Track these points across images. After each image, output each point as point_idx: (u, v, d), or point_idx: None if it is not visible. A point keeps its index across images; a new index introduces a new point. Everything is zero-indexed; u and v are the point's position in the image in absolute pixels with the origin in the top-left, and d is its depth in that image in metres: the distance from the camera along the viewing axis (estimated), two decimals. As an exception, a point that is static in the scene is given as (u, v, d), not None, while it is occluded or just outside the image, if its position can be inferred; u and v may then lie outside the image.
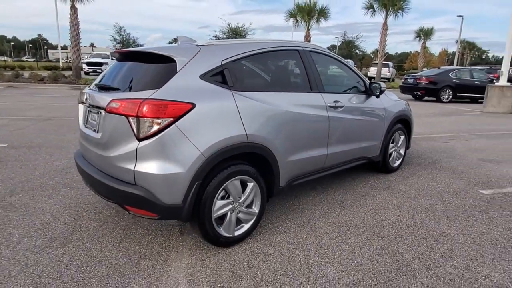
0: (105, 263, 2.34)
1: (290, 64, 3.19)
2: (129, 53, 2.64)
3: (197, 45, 2.55)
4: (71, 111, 8.96)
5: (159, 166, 2.16)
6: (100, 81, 2.68)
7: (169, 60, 2.36)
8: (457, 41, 47.52)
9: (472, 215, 3.21)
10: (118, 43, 35.78)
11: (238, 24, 41.14)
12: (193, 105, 2.23)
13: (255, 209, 2.68)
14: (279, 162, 2.76)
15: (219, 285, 2.14)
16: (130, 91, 2.31)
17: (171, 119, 2.15)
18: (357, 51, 41.93)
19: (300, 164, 3.03)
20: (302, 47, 3.23)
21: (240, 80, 2.61)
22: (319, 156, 3.21)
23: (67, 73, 19.30)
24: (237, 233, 2.60)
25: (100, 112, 2.46)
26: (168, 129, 2.15)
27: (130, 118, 2.17)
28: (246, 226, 2.66)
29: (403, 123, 4.41)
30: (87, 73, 22.59)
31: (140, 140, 2.16)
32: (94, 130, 2.53)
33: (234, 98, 2.48)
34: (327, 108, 3.20)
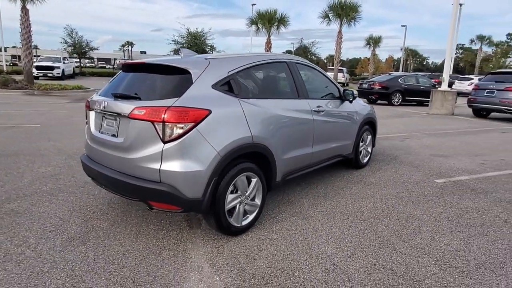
0: (129, 256, 2.58)
1: (281, 74, 3.62)
2: (143, 65, 2.90)
3: (206, 58, 2.89)
4: (34, 118, 8.64)
5: (183, 165, 2.46)
6: (114, 90, 2.89)
7: (185, 72, 2.67)
8: (401, 49, 51.67)
9: (431, 199, 3.87)
10: (70, 45, 34.03)
11: (197, 28, 41.09)
12: (210, 111, 2.57)
13: (258, 201, 3.06)
14: (276, 159, 3.17)
15: (237, 266, 2.49)
16: (152, 99, 2.58)
17: (192, 123, 2.47)
18: (313, 56, 43.81)
19: (292, 161, 3.47)
20: (289, 59, 3.69)
21: (243, 89, 2.99)
22: (306, 154, 3.68)
23: (18, 78, 18.10)
24: (244, 223, 2.96)
25: (119, 118, 2.70)
26: (190, 132, 2.46)
27: (156, 124, 2.45)
28: (250, 217, 3.02)
29: (370, 124, 5.06)
30: (36, 77, 21.17)
31: (165, 142, 2.45)
32: (113, 135, 2.76)
33: (241, 105, 2.86)
34: (312, 112, 3.68)
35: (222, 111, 2.68)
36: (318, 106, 3.80)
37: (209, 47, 40.54)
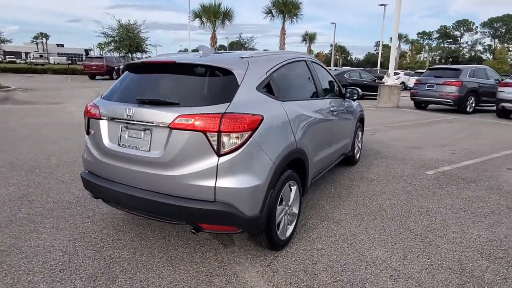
0: (177, 288, 2.21)
1: (304, 74, 3.44)
2: (172, 65, 2.48)
3: (242, 57, 2.58)
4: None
5: (242, 180, 2.16)
6: (138, 95, 2.42)
7: (228, 73, 2.35)
8: (331, 45, 54.99)
9: (435, 191, 4.08)
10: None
11: (129, 20, 38.24)
12: (262, 117, 2.30)
13: (295, 210, 2.87)
14: (309, 164, 3.01)
15: (302, 284, 2.29)
16: (195, 105, 2.21)
17: (250, 132, 2.18)
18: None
19: (319, 164, 3.34)
20: (307, 57, 3.53)
21: (281, 90, 2.76)
22: (327, 155, 3.58)
23: None
24: (287, 235, 2.75)
25: (152, 129, 2.28)
26: (248, 142, 2.17)
27: (209, 134, 2.11)
28: (291, 228, 2.83)
29: (361, 121, 5.16)
30: None
31: (220, 155, 2.13)
32: (140, 149, 2.32)
33: (284, 108, 2.63)
34: (330, 112, 3.59)
35: (271, 115, 2.43)
36: (332, 105, 3.72)
37: (144, 41, 38.28)
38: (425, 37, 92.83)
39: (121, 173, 2.44)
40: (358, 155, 5.22)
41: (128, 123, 2.39)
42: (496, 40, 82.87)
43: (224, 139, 2.11)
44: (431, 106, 12.97)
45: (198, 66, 2.42)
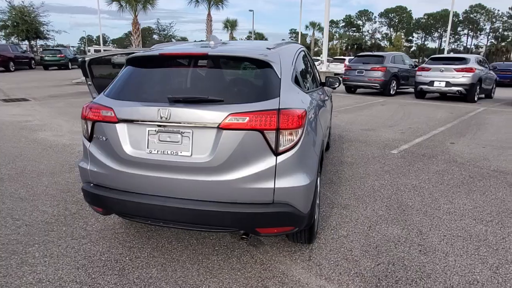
0: (236, 301, 2.05)
1: (308, 63, 3.40)
2: (204, 57, 2.21)
3: (269, 48, 2.43)
4: None
5: (299, 178, 2.08)
6: (170, 93, 2.09)
7: (267, 65, 2.20)
8: (250, 32, 55.74)
9: (409, 168, 4.51)
10: None
11: (23, 2, 32.79)
12: (305, 111, 2.22)
13: (318, 201, 2.89)
14: (324, 154, 3.05)
15: (352, 272, 2.34)
16: (241, 102, 2.02)
17: (302, 127, 2.10)
18: (173, 39, 42.16)
19: (323, 154, 3.40)
20: (302, 46, 3.50)
21: (302, 82, 2.69)
22: (324, 145, 3.67)
23: None
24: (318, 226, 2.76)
25: (192, 130, 2.02)
26: (302, 137, 2.09)
27: (266, 132, 1.96)
28: (316, 219, 2.84)
29: (331, 108, 5.39)
30: None
31: (278, 154, 2.00)
32: (185, 154, 2.04)
33: (311, 99, 2.58)
34: (324, 101, 3.66)
35: (308, 108, 2.36)
36: (323, 94, 3.80)
37: (44, 26, 33.49)
38: (333, 25, 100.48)
39: (152, 183, 2.12)
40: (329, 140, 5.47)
41: (160, 125, 2.07)
42: (391, 29, 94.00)
43: (282, 137, 1.99)
44: (359, 90, 14.20)
45: (235, 59, 2.21)
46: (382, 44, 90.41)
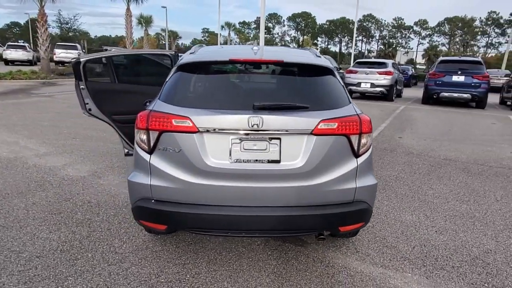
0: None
1: None
2: (277, 64, 2.19)
3: (319, 56, 2.54)
4: None
5: (371, 177, 2.26)
6: (253, 100, 2.02)
7: (330, 73, 2.31)
8: (163, 29, 53.78)
9: (385, 160, 5.10)
10: None
11: None
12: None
13: None
14: None
15: (399, 256, 2.62)
16: (325, 108, 2.12)
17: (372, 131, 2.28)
18: (77, 33, 37.85)
19: None
20: None
21: None
22: None
23: None
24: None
25: (281, 138, 2.02)
26: (371, 139, 2.27)
27: (351, 137, 2.09)
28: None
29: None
30: None
31: (358, 156, 2.15)
32: (274, 162, 2.02)
33: None
34: None
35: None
36: None
37: None
38: (245, 27, 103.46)
39: (235, 194, 2.04)
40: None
41: (246, 134, 2.00)
42: (299, 32, 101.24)
43: (363, 140, 2.14)
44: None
45: (307, 66, 2.26)
46: (291, 46, 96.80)
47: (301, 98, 2.16)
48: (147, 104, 3.38)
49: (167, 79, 2.30)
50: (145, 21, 40.49)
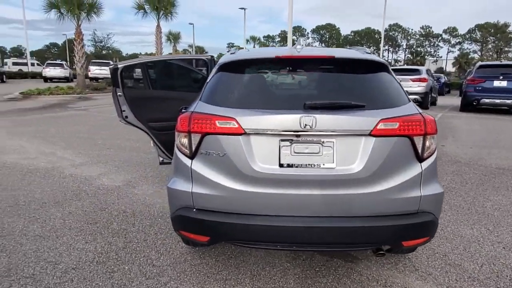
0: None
1: None
2: (329, 61, 2.02)
3: (369, 53, 2.34)
4: None
5: (437, 184, 2.00)
6: (304, 99, 1.85)
7: (385, 69, 2.10)
8: (190, 45, 55.30)
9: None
10: None
11: None
12: None
13: None
14: None
15: (466, 276, 2.30)
16: (384, 107, 1.90)
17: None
18: (110, 51, 39.65)
19: None
20: None
21: None
22: None
23: None
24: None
25: (335, 140, 1.82)
26: (435, 142, 2.01)
27: (416, 138, 1.85)
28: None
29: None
30: None
31: (422, 160, 1.90)
32: (328, 166, 1.82)
33: None
34: None
35: None
36: None
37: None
38: (270, 40, 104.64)
39: (285, 202, 1.85)
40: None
41: (298, 135, 1.82)
42: (323, 44, 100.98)
43: (427, 142, 1.89)
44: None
45: (361, 62, 2.07)
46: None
47: (356, 96, 1.96)
48: (183, 110, 3.34)
49: (208, 80, 2.18)
50: (174, 37, 41.87)
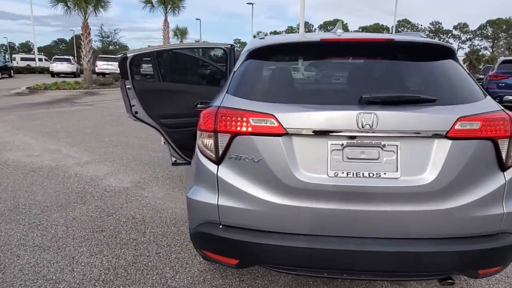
0: None
1: None
2: (385, 44, 1.65)
3: (422, 36, 1.95)
4: None
5: None
6: (361, 92, 1.48)
7: (451, 56, 1.71)
8: (197, 41, 54.89)
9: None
10: None
11: None
12: None
13: None
14: None
15: None
16: (459, 102, 1.53)
17: None
18: (117, 46, 39.47)
19: None
20: None
21: None
22: None
23: None
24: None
25: (399, 143, 1.45)
26: None
27: (500, 142, 1.47)
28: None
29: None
30: None
31: (506, 169, 1.52)
32: (389, 176, 1.46)
33: None
34: None
35: None
36: None
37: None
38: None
39: (336, 220, 1.49)
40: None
41: (353, 136, 1.46)
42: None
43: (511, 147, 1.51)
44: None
45: (425, 47, 1.69)
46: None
47: (422, 89, 1.59)
48: (199, 106, 2.98)
49: (235, 69, 1.81)
50: (181, 32, 41.42)
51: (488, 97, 1.61)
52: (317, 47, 1.73)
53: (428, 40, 1.75)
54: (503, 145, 1.49)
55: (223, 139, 1.55)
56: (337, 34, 1.91)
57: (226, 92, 1.69)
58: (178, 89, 3.13)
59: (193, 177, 1.75)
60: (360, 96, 1.47)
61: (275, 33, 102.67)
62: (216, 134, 1.56)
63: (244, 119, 1.51)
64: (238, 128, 1.52)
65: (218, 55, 3.74)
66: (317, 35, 1.79)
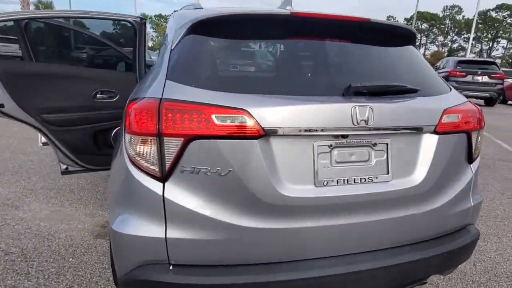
0: None
1: None
2: (367, 25, 1.39)
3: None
4: None
5: (477, 191, 1.62)
6: (341, 81, 1.17)
7: (412, 42, 1.60)
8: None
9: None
10: None
11: None
12: None
13: None
14: None
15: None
16: (436, 93, 1.41)
17: None
18: None
19: None
20: None
21: None
22: None
23: None
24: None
25: (389, 141, 1.24)
26: None
27: (473, 134, 1.42)
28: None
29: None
30: None
31: (471, 162, 1.50)
32: (380, 179, 1.23)
33: None
34: None
35: None
36: None
37: None
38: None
39: (327, 239, 1.20)
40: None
41: (344, 135, 1.16)
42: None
43: (478, 139, 1.49)
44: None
45: (399, 31, 1.50)
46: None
47: (404, 77, 1.42)
48: (99, 95, 2.30)
49: (171, 46, 1.31)
50: (44, 6, 35.12)
51: (453, 89, 1.56)
52: (285, 24, 1.36)
53: (402, 25, 1.59)
54: (475, 138, 1.45)
55: (172, 145, 1.07)
56: (286, 10, 1.59)
57: (166, 78, 1.19)
58: (65, 73, 2.33)
59: (120, 200, 1.20)
60: (348, 85, 1.19)
61: (161, 17, 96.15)
62: (161, 138, 1.06)
63: (204, 116, 1.06)
64: (196, 130, 1.06)
65: (117, 30, 3.00)
66: (276, 10, 1.44)
